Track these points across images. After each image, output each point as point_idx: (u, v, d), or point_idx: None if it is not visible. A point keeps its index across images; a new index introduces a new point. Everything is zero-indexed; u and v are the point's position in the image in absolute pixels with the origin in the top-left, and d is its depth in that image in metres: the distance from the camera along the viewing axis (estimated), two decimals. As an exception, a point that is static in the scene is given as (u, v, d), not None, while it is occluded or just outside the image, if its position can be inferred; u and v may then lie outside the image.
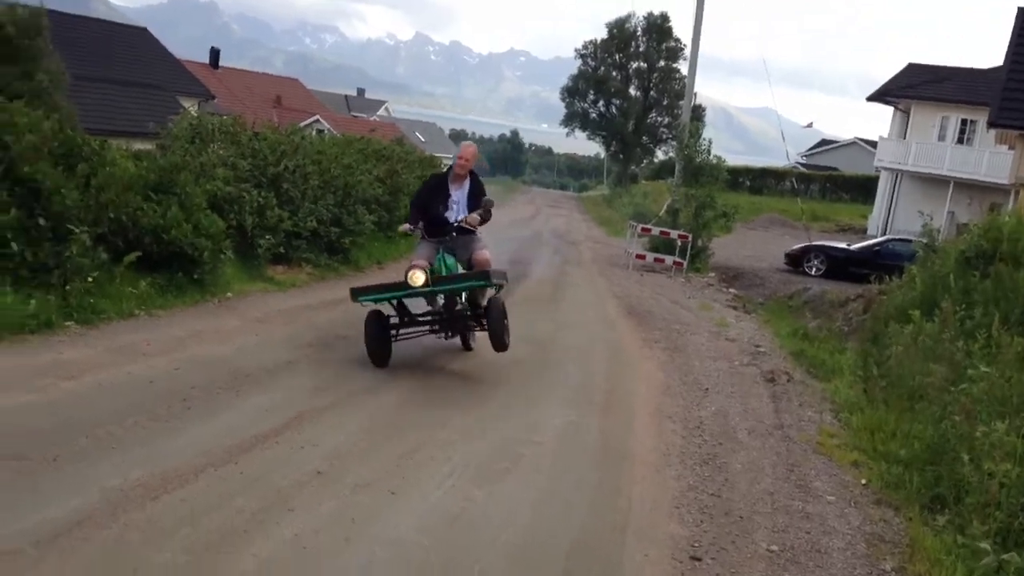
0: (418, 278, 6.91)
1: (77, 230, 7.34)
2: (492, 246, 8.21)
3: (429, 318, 7.64)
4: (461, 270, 7.54)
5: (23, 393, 5.36)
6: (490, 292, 7.75)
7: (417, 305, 7.65)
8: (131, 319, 7.58)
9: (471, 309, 7.61)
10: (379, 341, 7.27)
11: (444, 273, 7.27)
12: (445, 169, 8.18)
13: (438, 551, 4.04)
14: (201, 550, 3.75)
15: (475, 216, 7.54)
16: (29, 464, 4.33)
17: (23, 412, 5.05)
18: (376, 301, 7.29)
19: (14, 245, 7.02)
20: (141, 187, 8.54)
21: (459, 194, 7.73)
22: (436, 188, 7.83)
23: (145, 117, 19.78)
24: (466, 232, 7.66)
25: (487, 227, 7.91)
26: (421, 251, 7.58)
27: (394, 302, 7.42)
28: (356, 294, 7.28)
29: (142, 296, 8.01)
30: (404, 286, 7.01)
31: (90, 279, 7.42)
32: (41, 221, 7.24)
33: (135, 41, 32.08)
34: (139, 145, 12.29)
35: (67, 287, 7.24)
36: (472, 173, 7.84)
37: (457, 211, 7.63)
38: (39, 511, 3.84)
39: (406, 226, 7.77)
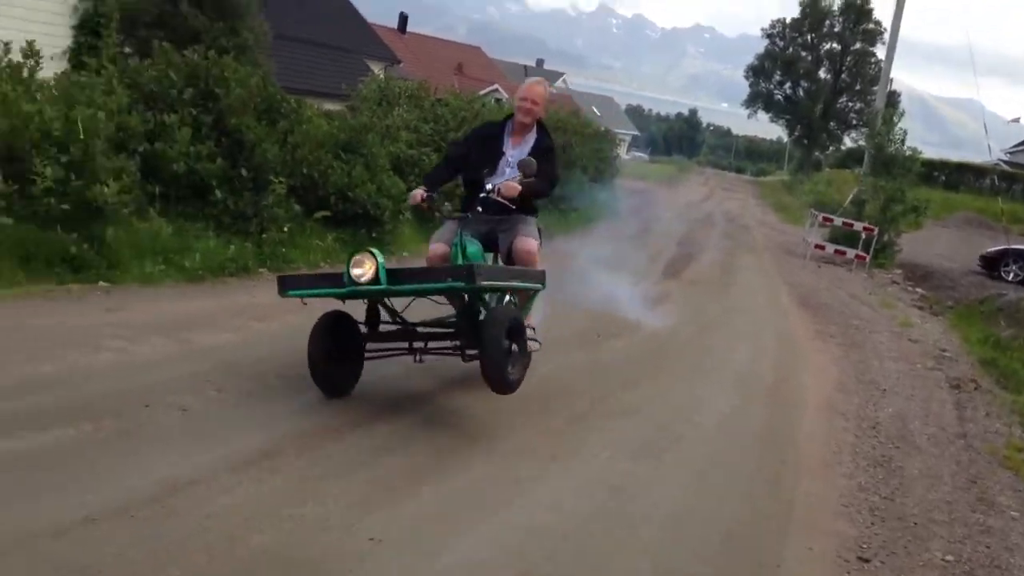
0: (365, 270, 4.43)
1: (277, 181, 7.83)
2: (664, 225, 7.90)
3: (431, 328, 5.21)
4: (501, 263, 5.38)
5: (223, 331, 5.88)
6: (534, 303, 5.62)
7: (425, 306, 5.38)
8: (317, 271, 8.03)
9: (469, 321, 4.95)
10: (329, 357, 4.79)
11: (459, 263, 4.87)
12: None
13: (598, 519, 4.07)
14: (381, 486, 3.97)
15: (513, 184, 5.02)
16: (227, 396, 4.70)
17: (223, 348, 5.52)
18: (311, 297, 4.84)
19: (218, 192, 7.59)
20: (332, 146, 9.00)
21: (517, 152, 5.32)
22: (484, 141, 5.48)
23: (334, 78, 20.62)
24: (504, 210, 5.17)
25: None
26: (444, 231, 5.34)
27: (366, 300, 4.90)
28: (284, 285, 4.82)
29: (327, 250, 8.48)
30: (345, 281, 4.51)
31: (284, 229, 7.92)
32: (243, 172, 7.77)
33: (329, 1, 33.37)
34: (328, 105, 12.93)
35: (263, 235, 7.76)
36: (540, 125, 5.48)
37: (509, 177, 5.20)
38: (236, 440, 4.14)
39: (418, 191, 5.21)
